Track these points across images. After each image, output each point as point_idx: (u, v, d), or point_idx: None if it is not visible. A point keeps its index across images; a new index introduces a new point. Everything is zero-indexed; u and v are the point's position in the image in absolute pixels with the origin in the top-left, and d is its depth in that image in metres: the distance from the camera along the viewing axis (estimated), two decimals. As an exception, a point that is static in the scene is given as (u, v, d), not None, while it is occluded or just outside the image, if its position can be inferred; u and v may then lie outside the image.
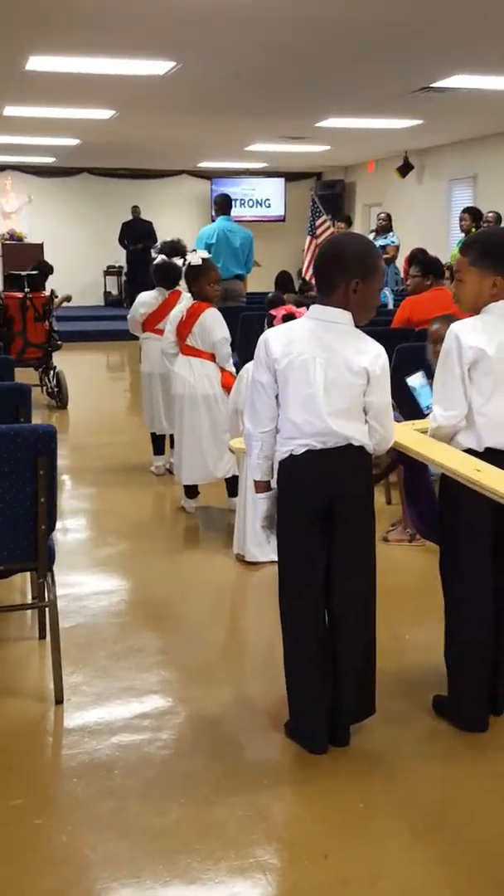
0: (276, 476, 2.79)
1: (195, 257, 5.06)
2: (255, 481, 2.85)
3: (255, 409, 2.76)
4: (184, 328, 5.00)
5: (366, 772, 2.71)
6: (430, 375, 4.59)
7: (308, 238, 12.19)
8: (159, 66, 7.64)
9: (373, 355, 2.67)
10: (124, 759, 2.77)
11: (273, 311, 4.08)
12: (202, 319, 4.97)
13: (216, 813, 2.51)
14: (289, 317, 3.98)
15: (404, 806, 2.55)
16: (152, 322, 5.95)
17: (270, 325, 4.10)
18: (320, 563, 2.72)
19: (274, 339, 2.72)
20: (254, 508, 4.32)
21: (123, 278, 16.32)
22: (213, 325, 4.97)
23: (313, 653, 2.74)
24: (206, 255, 5.13)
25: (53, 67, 7.58)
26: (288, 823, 2.50)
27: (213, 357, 5.03)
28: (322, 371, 2.65)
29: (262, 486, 2.83)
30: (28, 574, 3.76)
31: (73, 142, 12.63)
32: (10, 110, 9.83)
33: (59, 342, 8.46)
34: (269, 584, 4.09)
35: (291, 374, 2.67)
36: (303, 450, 2.68)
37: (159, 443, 6.15)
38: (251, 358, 4.52)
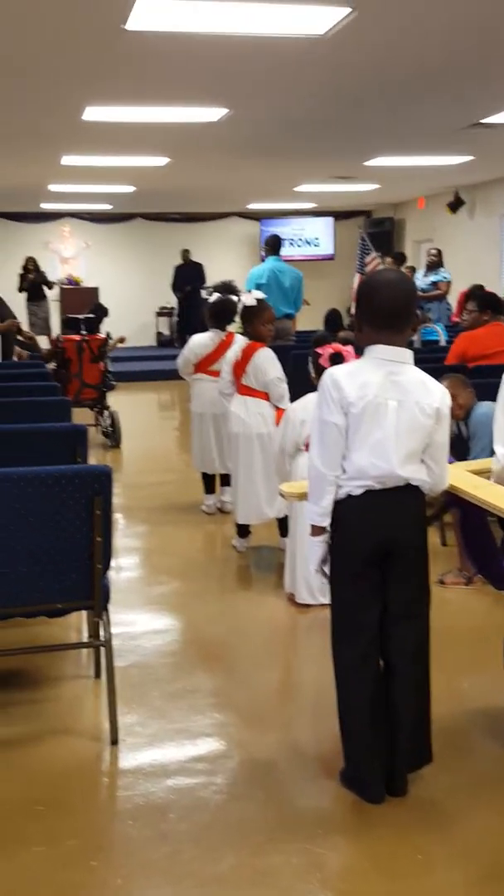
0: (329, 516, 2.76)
1: (249, 298, 5.12)
2: (314, 526, 2.76)
3: (328, 452, 2.67)
4: (239, 368, 5.07)
5: (423, 821, 2.66)
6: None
7: (357, 276, 12.24)
8: (213, 114, 7.79)
9: (440, 394, 2.67)
10: (178, 803, 2.76)
11: (319, 350, 4.09)
12: (256, 359, 5.03)
13: (270, 861, 2.48)
14: (337, 356, 3.99)
15: (462, 856, 2.50)
16: (205, 363, 6.01)
17: (316, 363, 4.11)
18: (375, 608, 2.69)
19: (345, 379, 2.65)
20: (306, 551, 4.31)
21: (175, 319, 16.55)
22: (266, 365, 5.03)
23: (368, 700, 2.71)
24: (261, 295, 5.18)
25: (109, 117, 7.77)
26: (344, 874, 2.46)
27: (267, 396, 5.08)
28: (395, 414, 2.62)
29: (319, 531, 2.78)
30: (83, 612, 3.80)
31: (129, 189, 12.90)
32: (68, 159, 10.08)
33: (113, 382, 8.60)
34: (320, 627, 4.05)
35: (364, 418, 2.63)
36: (361, 491, 2.67)
37: (210, 482, 6.18)
38: (300, 395, 4.61)
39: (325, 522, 2.72)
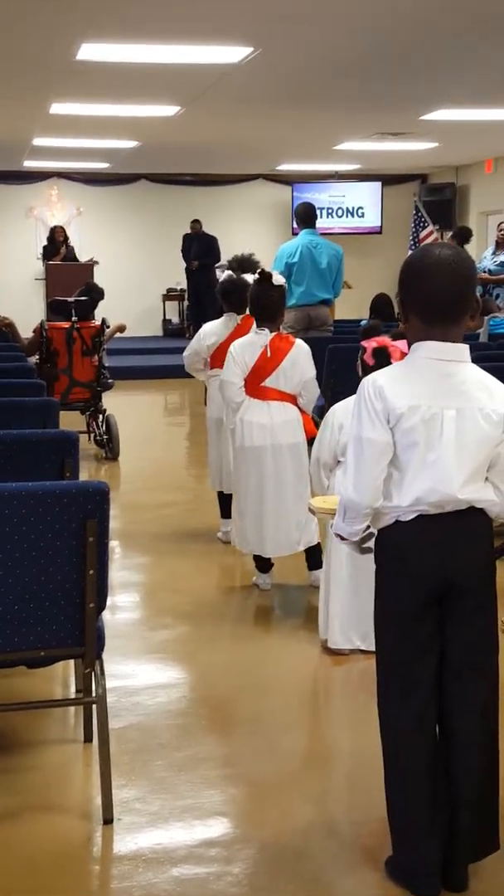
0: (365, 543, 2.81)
1: (279, 278, 5.14)
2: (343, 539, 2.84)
3: (365, 477, 2.67)
4: (266, 367, 5.07)
5: (488, 925, 2.65)
6: None
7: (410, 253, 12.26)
8: (234, 53, 7.85)
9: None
10: (186, 897, 2.77)
11: (364, 343, 4.11)
12: (295, 355, 5.06)
13: None
14: (380, 352, 4.00)
15: None
16: (221, 355, 6.02)
17: (361, 359, 4.13)
18: (431, 659, 2.70)
19: (390, 386, 2.65)
20: (341, 585, 4.32)
21: (185, 303, 16.62)
22: (308, 362, 5.09)
23: (422, 772, 2.71)
24: (281, 279, 5.20)
25: (109, 56, 7.84)
26: None
27: (295, 399, 5.11)
28: (453, 426, 2.62)
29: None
30: (72, 662, 3.81)
31: (131, 144, 13.01)
32: (59, 107, 10.18)
33: (109, 380, 8.64)
34: (360, 680, 4.07)
35: (417, 433, 2.63)
36: (413, 516, 2.68)
37: (227, 503, 6.18)
38: (339, 399, 4.62)
39: (355, 551, 2.81)
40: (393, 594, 2.73)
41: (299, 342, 5.16)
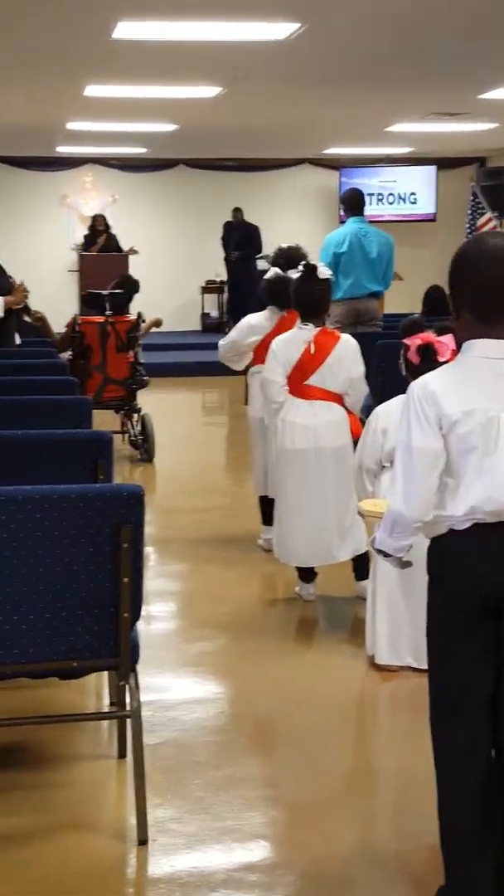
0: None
1: (325, 271, 5.15)
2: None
3: (416, 488, 2.66)
4: (311, 365, 5.09)
5: None
6: None
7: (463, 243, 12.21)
8: (279, 30, 7.85)
9: None
10: (224, 924, 2.80)
11: (407, 341, 4.11)
12: (342, 351, 5.07)
13: None
14: (427, 349, 4.00)
15: None
16: (264, 350, 6.04)
17: (405, 358, 4.14)
18: (487, 676, 2.69)
19: (442, 389, 2.64)
20: (390, 597, 4.32)
21: (225, 296, 16.66)
22: (357, 359, 5.10)
23: (477, 794, 2.71)
24: (328, 273, 5.21)
25: (147, 34, 7.87)
26: None
27: (340, 399, 5.12)
28: None
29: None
30: (105, 674, 3.85)
31: (169, 127, 13.04)
32: (93, 90, 10.23)
33: (145, 378, 8.69)
34: (410, 699, 4.07)
35: (472, 440, 2.61)
36: (468, 525, 2.67)
37: (270, 509, 6.19)
38: (388, 398, 4.60)
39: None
40: (446, 606, 2.73)
41: (346, 337, 5.17)
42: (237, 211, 15.83)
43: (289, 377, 5.13)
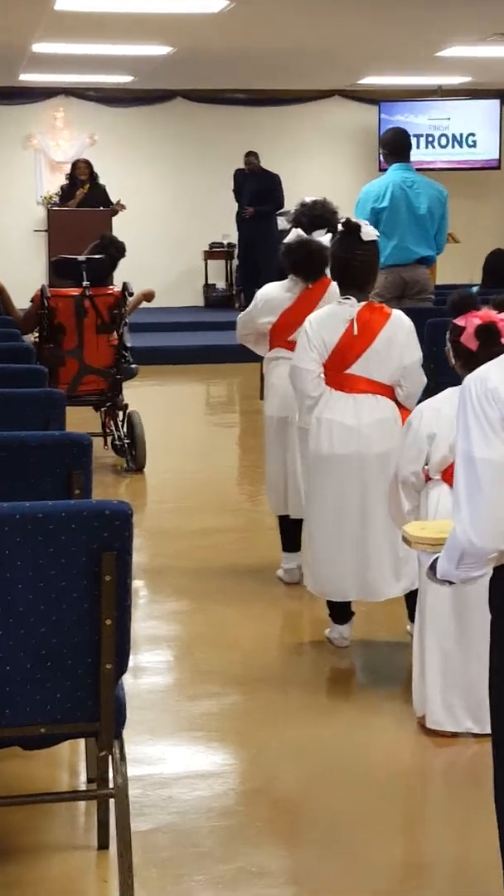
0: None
1: (370, 231, 5.14)
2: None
3: (486, 511, 2.68)
4: (355, 349, 5.08)
5: None
6: None
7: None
8: None
9: None
10: None
11: (459, 321, 4.09)
12: (393, 332, 5.07)
13: None
14: (488, 329, 3.98)
15: None
16: (283, 331, 6.04)
17: (455, 342, 4.12)
18: None
19: None
20: (443, 643, 4.32)
21: (235, 262, 16.68)
22: (411, 340, 5.11)
23: None
24: (374, 232, 5.20)
25: None
26: None
27: (390, 392, 5.11)
28: None
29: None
30: (82, 742, 3.85)
31: (163, 50, 13.13)
32: (67, 1, 10.26)
33: (133, 366, 8.70)
34: (469, 771, 4.08)
35: None
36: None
37: (293, 532, 6.20)
38: (440, 390, 4.57)
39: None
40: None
41: (398, 314, 5.14)
42: (251, 155, 15.86)
43: (326, 365, 5.12)
